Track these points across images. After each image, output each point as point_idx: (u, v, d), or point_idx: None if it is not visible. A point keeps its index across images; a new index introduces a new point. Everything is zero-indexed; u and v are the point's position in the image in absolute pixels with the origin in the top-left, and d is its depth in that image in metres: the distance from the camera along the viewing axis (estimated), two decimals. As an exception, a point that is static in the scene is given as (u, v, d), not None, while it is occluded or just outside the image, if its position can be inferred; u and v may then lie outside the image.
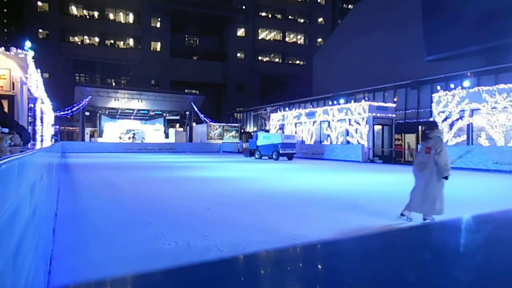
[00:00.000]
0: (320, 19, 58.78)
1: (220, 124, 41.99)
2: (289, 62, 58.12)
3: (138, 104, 38.42)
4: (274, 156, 22.05)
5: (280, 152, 21.71)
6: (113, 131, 40.05)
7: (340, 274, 3.44)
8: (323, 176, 12.87)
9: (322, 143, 24.88)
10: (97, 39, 48.80)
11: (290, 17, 57.62)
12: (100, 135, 40.08)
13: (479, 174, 13.65)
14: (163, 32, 51.17)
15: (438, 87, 19.25)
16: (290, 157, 22.30)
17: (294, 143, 22.62)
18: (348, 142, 22.91)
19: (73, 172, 13.13)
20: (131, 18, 50.09)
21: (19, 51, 11.81)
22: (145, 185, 9.71)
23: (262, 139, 23.17)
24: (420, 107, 24.49)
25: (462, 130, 16.93)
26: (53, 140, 22.14)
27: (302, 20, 58.15)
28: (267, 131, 31.47)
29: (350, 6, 56.89)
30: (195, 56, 54.49)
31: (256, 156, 23.66)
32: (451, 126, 17.32)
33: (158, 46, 51.26)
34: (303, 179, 11.76)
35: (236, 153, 32.65)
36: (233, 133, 41.23)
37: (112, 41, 49.53)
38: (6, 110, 10.80)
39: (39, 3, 45.17)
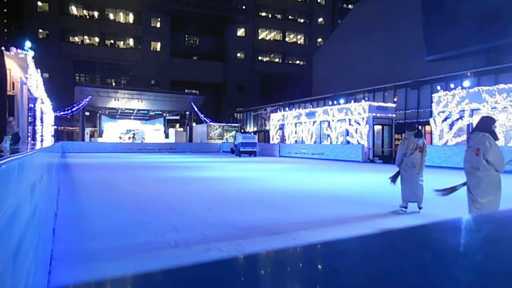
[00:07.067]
0: (320, 19, 58.74)
1: (220, 124, 41.97)
2: (289, 62, 58.07)
3: (138, 104, 38.40)
4: (236, 153, 26.58)
5: (241, 150, 26.02)
6: (113, 131, 40.03)
7: (340, 274, 3.43)
8: (323, 176, 12.87)
9: (322, 143, 24.89)
10: (97, 39, 48.78)
11: (290, 17, 57.56)
12: (100, 135, 40.06)
13: (479, 174, 13.63)
14: (163, 32, 51.13)
15: (438, 87, 19.24)
16: (250, 153, 26.21)
17: (254, 142, 26.81)
18: (348, 142, 22.90)
19: (73, 172, 13.13)
20: (131, 18, 50.06)
21: (19, 51, 11.80)
22: (145, 185, 9.71)
23: (238, 139, 27.45)
24: (420, 107, 24.48)
25: (462, 130, 16.92)
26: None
27: (302, 20, 58.11)
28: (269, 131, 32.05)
29: (350, 6, 56.82)
30: (195, 56, 54.45)
31: (236, 153, 27.46)
32: (451, 126, 17.31)
33: (158, 46, 51.23)
34: (303, 179, 11.76)
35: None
36: (233, 133, 41.22)
37: (112, 41, 49.49)
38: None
39: (39, 3, 45.14)
